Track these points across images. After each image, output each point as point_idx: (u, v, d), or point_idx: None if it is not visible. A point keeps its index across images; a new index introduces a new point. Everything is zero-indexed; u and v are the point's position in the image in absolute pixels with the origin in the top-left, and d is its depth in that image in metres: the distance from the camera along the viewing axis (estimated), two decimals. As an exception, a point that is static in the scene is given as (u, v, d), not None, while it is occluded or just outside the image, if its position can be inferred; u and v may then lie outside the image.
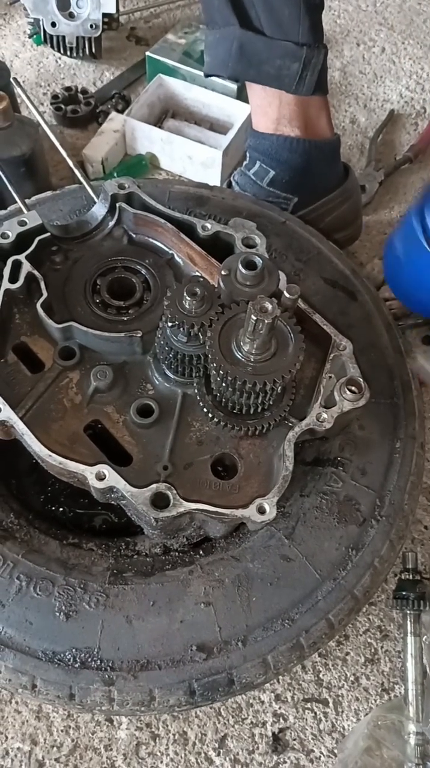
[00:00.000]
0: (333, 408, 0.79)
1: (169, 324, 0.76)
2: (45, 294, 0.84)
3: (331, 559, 0.83)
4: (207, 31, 1.17)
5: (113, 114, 1.54)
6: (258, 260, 0.78)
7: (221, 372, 0.73)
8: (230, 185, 1.30)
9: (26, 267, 0.85)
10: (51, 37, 1.63)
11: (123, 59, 1.73)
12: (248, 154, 1.28)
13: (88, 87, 1.64)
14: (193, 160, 1.45)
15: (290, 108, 1.16)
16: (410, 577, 1.02)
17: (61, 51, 1.66)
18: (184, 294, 0.74)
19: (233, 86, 1.52)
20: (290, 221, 1.10)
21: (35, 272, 0.85)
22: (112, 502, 0.79)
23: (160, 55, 1.58)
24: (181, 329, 0.76)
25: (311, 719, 0.99)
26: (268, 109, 1.18)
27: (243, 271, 0.77)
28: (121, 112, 1.56)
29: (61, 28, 1.61)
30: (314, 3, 1.07)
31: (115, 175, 1.44)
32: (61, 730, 0.97)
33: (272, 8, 1.06)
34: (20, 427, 0.77)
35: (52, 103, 1.58)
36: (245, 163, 1.28)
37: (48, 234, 0.89)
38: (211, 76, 1.22)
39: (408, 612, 1.00)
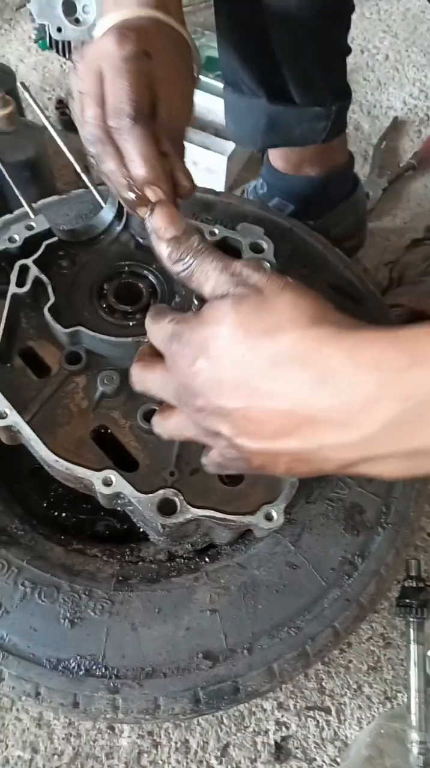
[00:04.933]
0: (340, 415, 0.79)
1: (178, 329, 0.76)
2: (52, 298, 0.84)
3: (337, 567, 0.83)
4: (228, 91, 1.09)
5: (118, 119, 1.54)
6: (267, 266, 0.77)
7: (230, 378, 0.72)
8: None
9: (34, 271, 0.85)
10: (56, 42, 1.63)
11: (127, 64, 1.73)
12: (265, 185, 1.24)
13: (93, 92, 1.64)
14: (198, 165, 1.45)
15: (312, 152, 1.13)
16: (413, 584, 1.02)
17: (67, 56, 1.66)
18: (194, 300, 0.74)
19: (238, 92, 1.53)
20: (297, 227, 1.10)
21: (43, 277, 0.84)
22: (118, 508, 0.78)
23: (165, 61, 1.58)
24: (190, 335, 0.76)
25: (314, 727, 0.98)
26: (289, 154, 1.15)
27: (252, 277, 0.76)
28: (126, 117, 1.56)
29: (67, 33, 1.61)
30: (344, 52, 1.04)
31: (119, 179, 1.44)
32: (62, 738, 0.96)
33: (304, 73, 1.01)
34: (27, 432, 0.76)
35: (57, 108, 1.58)
36: (261, 192, 1.25)
37: (55, 238, 0.88)
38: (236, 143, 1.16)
39: (411, 620, 1.00)
